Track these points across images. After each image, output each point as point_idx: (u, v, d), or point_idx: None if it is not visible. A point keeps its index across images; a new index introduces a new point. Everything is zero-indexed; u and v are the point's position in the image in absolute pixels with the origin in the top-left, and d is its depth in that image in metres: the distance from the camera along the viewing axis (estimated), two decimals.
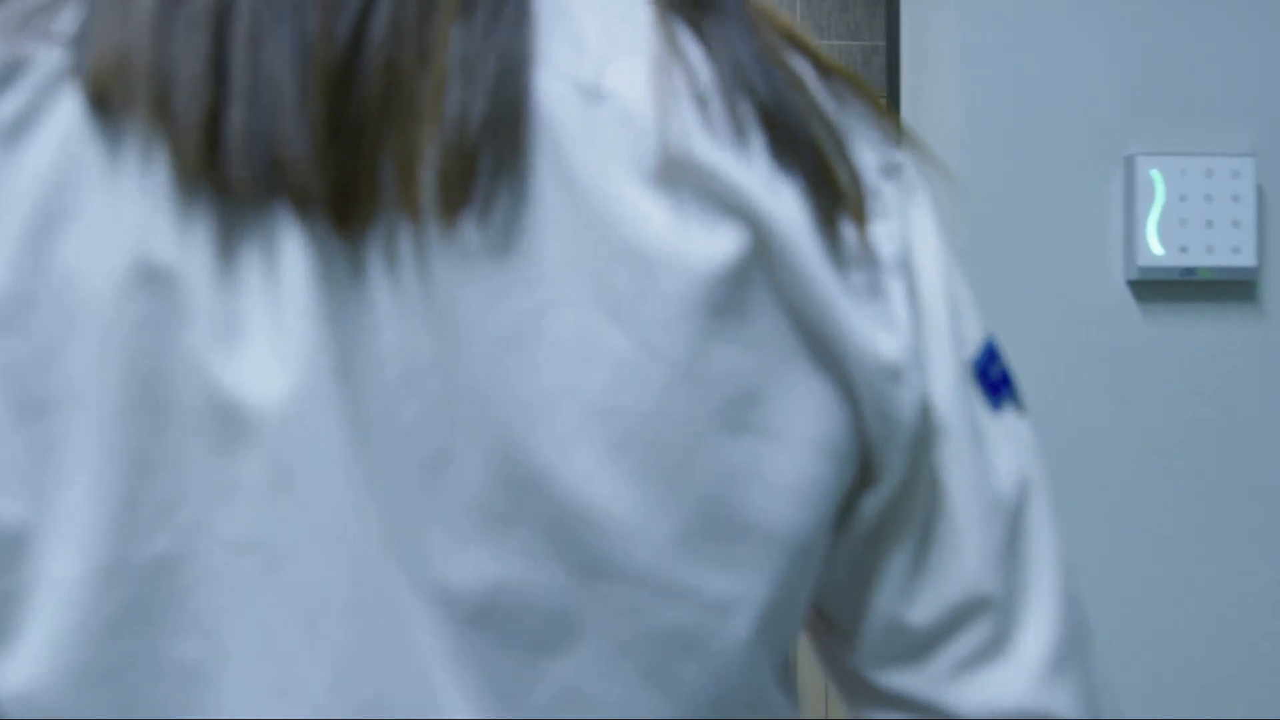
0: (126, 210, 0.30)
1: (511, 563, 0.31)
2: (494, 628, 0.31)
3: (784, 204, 0.32)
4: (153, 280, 0.29)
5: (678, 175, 0.31)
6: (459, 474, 0.31)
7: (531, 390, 0.31)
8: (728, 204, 0.32)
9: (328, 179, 0.30)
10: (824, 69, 0.35)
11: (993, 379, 0.38)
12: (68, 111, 0.30)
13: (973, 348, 0.37)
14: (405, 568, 0.31)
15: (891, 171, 0.36)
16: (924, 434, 0.35)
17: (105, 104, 0.29)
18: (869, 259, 0.34)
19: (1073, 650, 0.37)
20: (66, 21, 0.30)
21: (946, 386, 0.36)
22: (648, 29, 0.33)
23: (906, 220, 0.36)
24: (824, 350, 0.33)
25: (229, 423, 0.30)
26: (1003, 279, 1.09)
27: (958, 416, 0.36)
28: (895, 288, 0.35)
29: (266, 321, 0.30)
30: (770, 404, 0.33)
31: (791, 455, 0.33)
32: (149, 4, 0.30)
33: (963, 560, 0.36)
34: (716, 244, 0.31)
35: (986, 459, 0.36)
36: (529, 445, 0.30)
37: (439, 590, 0.31)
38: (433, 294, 0.30)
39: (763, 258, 0.32)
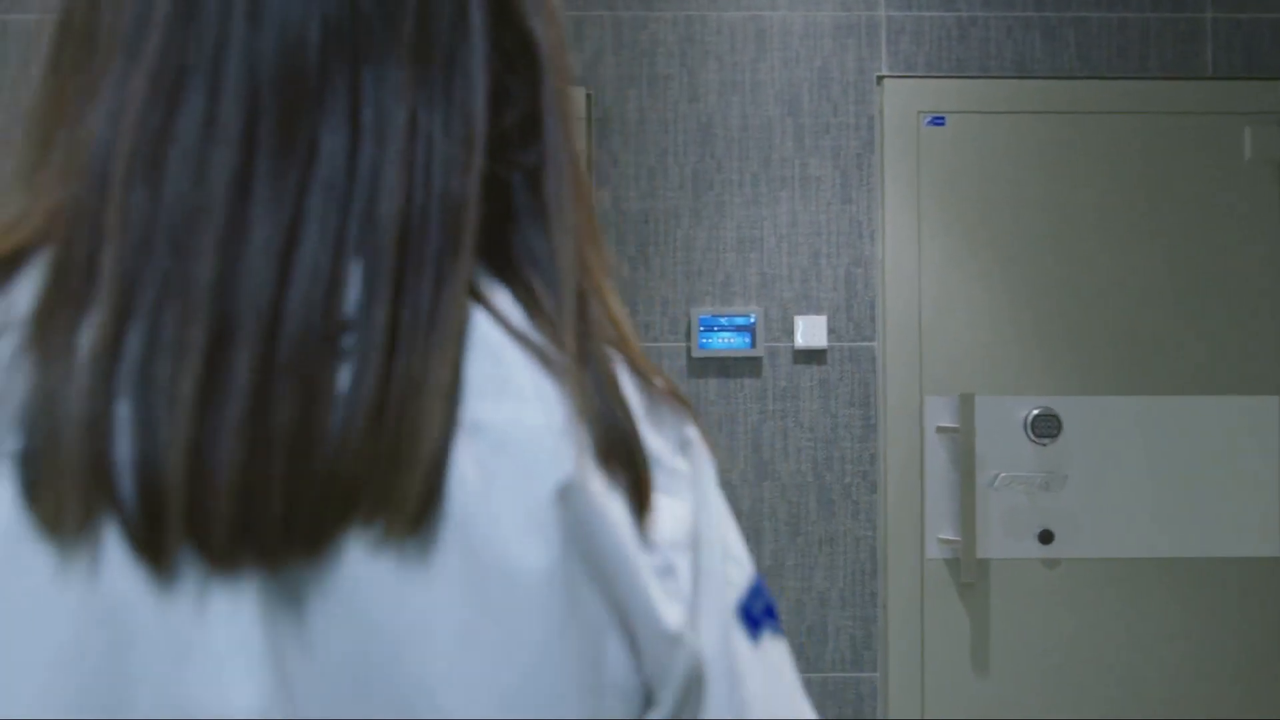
0: None
1: None
2: None
3: (611, 509, 0.43)
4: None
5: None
6: None
7: (426, 672, 0.40)
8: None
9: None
10: (639, 373, 0.47)
11: (755, 615, 0.47)
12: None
13: (739, 590, 0.47)
14: None
15: (685, 448, 0.48)
16: (692, 678, 0.44)
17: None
18: (667, 542, 0.45)
19: None
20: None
21: (713, 639, 0.45)
22: (535, 372, 0.44)
23: (698, 490, 0.47)
24: (628, 623, 0.43)
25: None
26: None
27: (719, 662, 0.45)
28: (683, 564, 0.45)
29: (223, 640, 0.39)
30: (601, 668, 0.43)
31: (611, 701, 0.43)
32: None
33: None
34: (555, 551, 0.42)
35: (740, 694, 0.46)
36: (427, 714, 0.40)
37: None
38: (354, 599, 0.40)
39: (590, 560, 0.42)
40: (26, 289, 0.39)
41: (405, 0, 0.42)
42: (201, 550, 0.37)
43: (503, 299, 0.45)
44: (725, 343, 2.80)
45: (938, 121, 2.79)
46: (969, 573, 2.62)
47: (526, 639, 0.41)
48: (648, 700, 0.44)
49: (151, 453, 0.37)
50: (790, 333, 2.81)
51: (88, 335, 0.37)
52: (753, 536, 2.78)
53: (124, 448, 0.37)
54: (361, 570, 0.39)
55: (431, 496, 0.40)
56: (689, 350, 2.81)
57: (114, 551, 0.37)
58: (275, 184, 0.39)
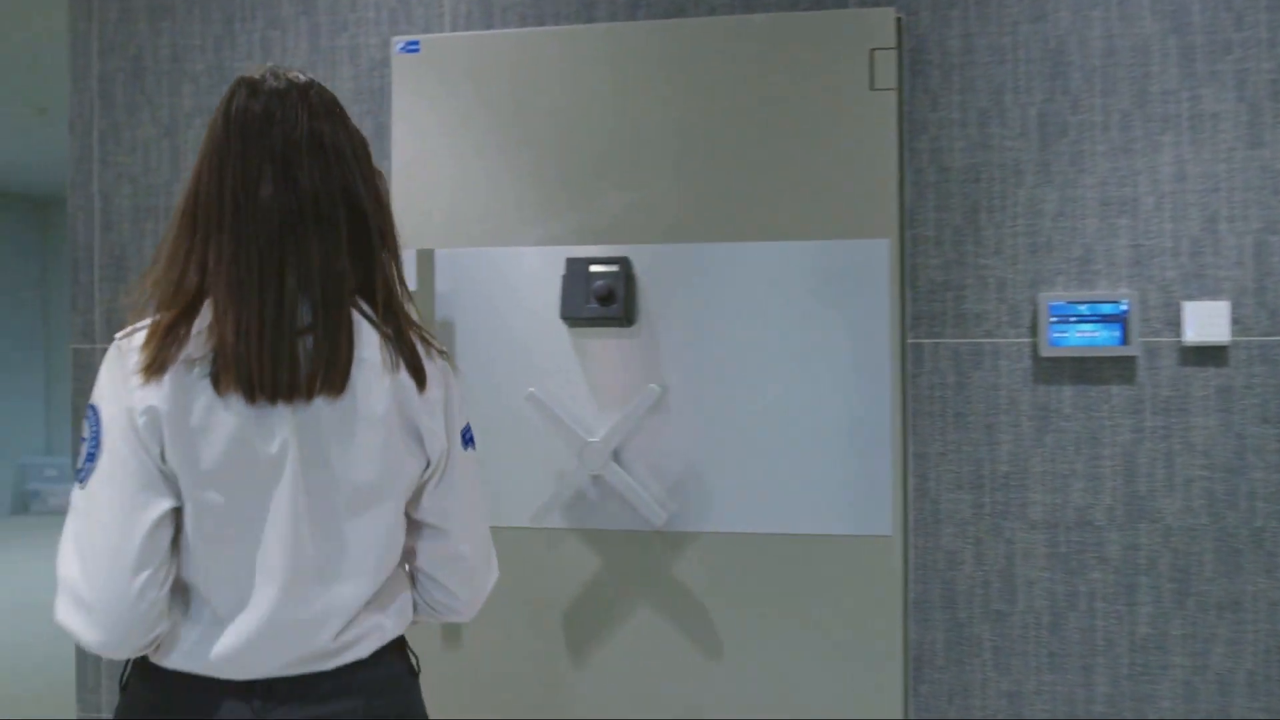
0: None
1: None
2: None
3: (409, 386, 1.28)
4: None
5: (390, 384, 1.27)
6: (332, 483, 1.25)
7: (347, 454, 1.25)
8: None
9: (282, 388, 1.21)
10: (417, 331, 1.31)
11: (467, 438, 1.38)
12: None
13: (461, 425, 1.36)
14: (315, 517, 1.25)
15: (443, 370, 1.33)
16: (443, 455, 1.32)
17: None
18: (433, 400, 1.30)
19: (481, 540, 1.44)
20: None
21: (455, 444, 1.34)
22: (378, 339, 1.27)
23: (445, 386, 1.33)
24: (419, 433, 1.29)
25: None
26: None
27: (454, 450, 1.34)
28: (438, 409, 1.31)
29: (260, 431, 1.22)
30: (412, 451, 1.29)
31: (415, 467, 1.30)
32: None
33: (448, 502, 1.35)
34: (389, 403, 1.27)
35: (456, 465, 1.35)
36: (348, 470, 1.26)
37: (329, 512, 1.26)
38: (319, 421, 1.24)
39: (402, 408, 1.27)
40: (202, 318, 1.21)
41: (321, 207, 1.22)
42: (270, 399, 1.19)
43: (365, 307, 1.27)
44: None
45: None
46: None
47: (380, 442, 1.25)
48: (428, 465, 1.31)
49: (249, 367, 1.18)
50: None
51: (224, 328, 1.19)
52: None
53: (243, 367, 1.18)
54: (323, 410, 1.22)
55: (345, 384, 1.22)
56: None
57: (239, 403, 1.19)
58: (279, 276, 1.20)
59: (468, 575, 1.41)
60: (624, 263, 2.10)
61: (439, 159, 2.21)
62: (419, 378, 1.27)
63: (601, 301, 2.10)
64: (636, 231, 2.14)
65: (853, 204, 2.05)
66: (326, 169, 1.22)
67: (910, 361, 2.14)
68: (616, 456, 2.12)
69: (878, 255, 2.04)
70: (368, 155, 1.30)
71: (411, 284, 2.12)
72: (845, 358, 2.05)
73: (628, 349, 2.13)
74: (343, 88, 2.36)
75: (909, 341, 2.14)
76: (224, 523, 1.21)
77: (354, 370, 1.23)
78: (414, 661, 1.39)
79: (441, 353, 1.32)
